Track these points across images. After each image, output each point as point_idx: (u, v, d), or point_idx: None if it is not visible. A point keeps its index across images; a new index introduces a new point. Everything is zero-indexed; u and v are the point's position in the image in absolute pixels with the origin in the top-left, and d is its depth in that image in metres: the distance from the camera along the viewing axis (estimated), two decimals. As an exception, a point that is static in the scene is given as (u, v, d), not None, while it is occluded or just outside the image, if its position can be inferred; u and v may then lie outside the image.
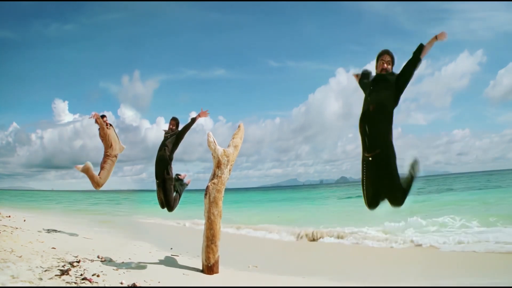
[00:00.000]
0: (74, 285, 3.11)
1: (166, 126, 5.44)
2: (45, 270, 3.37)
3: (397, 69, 3.18)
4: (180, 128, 5.36)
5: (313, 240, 8.37)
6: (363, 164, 3.14)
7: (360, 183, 3.21)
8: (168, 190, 5.34)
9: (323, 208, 19.26)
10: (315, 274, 4.98)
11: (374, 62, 3.26)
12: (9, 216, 8.16)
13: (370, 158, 3.05)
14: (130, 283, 3.43)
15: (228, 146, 4.83)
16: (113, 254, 4.80)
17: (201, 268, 4.61)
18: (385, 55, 3.16)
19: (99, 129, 6.02)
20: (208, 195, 4.61)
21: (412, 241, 7.21)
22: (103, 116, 6.03)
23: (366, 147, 3.06)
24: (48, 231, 6.40)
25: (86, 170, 5.93)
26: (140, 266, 4.35)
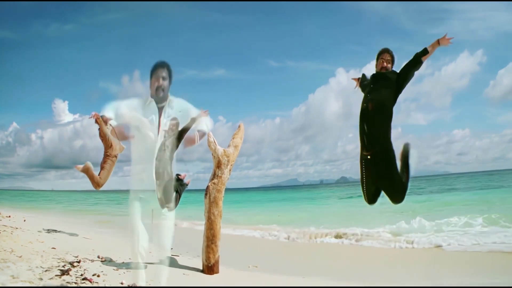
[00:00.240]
0: (74, 285, 3.11)
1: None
2: (45, 270, 3.37)
3: (397, 68, 3.18)
4: (180, 128, 5.35)
5: (314, 239, 8.37)
6: (361, 162, 3.14)
7: (360, 181, 3.21)
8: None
9: (323, 208, 19.26)
10: (315, 274, 4.98)
11: (374, 62, 3.26)
12: (9, 216, 8.17)
13: (369, 157, 3.05)
14: (130, 283, 3.44)
15: (228, 146, 4.83)
16: (113, 254, 4.80)
17: (201, 268, 4.61)
18: (385, 54, 3.16)
19: (99, 129, 6.01)
20: (208, 195, 4.61)
21: (413, 241, 7.18)
22: (103, 116, 6.02)
23: (365, 146, 3.06)
24: (48, 231, 6.40)
25: (86, 170, 5.92)
26: (140, 266, 4.34)
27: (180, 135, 2.66)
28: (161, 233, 2.55)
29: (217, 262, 4.55)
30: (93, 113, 6.02)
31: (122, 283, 3.43)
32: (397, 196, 3.06)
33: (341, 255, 7.02)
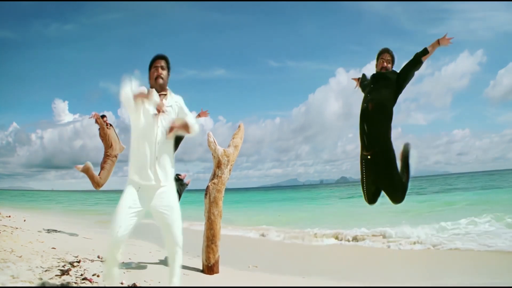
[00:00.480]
0: (74, 285, 3.11)
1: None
2: (45, 270, 3.37)
3: (397, 68, 3.18)
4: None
5: (313, 240, 8.36)
6: (362, 162, 3.14)
7: (360, 181, 3.21)
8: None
9: (323, 208, 19.26)
10: (315, 274, 4.98)
11: (374, 62, 3.27)
12: (9, 216, 8.16)
13: (369, 157, 3.05)
14: (130, 283, 3.44)
15: (228, 146, 4.83)
16: (113, 254, 4.79)
17: (201, 268, 4.61)
18: (385, 54, 3.16)
19: (99, 129, 6.01)
20: (208, 195, 4.61)
21: (414, 242, 7.17)
22: (103, 116, 6.03)
23: (365, 146, 3.06)
24: (48, 231, 6.40)
25: (86, 170, 5.93)
26: (140, 266, 4.35)
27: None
28: (171, 227, 2.42)
29: (217, 262, 4.55)
30: (93, 113, 6.05)
31: (122, 283, 3.43)
32: (397, 196, 3.06)
33: (341, 255, 7.01)
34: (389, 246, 7.19)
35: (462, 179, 47.05)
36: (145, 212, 2.44)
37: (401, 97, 3.13)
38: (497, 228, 7.91)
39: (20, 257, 3.76)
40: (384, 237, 7.82)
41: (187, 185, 5.79)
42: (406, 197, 3.09)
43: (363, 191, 3.21)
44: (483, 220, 8.70)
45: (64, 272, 3.39)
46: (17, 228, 6.02)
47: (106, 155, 6.05)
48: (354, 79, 3.65)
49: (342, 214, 14.11)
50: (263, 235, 9.38)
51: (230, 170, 4.76)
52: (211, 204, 4.57)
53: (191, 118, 2.61)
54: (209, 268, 4.50)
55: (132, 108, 2.44)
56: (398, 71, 3.11)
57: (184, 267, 4.71)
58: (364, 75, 3.53)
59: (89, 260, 4.14)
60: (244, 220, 12.98)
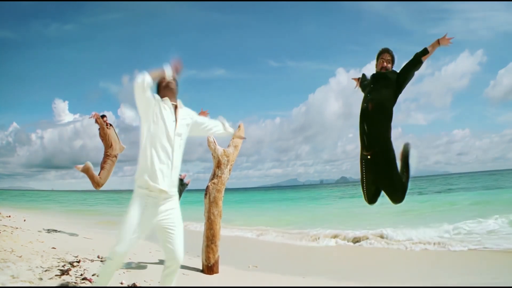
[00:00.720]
0: (74, 285, 3.11)
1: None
2: (45, 270, 3.37)
3: (397, 68, 3.17)
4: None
5: (314, 240, 8.36)
6: (361, 162, 3.14)
7: (360, 181, 3.21)
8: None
9: (323, 208, 19.26)
10: (315, 274, 4.98)
11: (374, 62, 3.26)
12: (9, 216, 8.17)
13: (369, 157, 3.05)
14: (130, 283, 3.44)
15: (228, 146, 4.83)
16: (113, 254, 4.79)
17: (201, 268, 4.61)
18: (385, 54, 3.15)
19: (99, 129, 6.01)
20: (208, 195, 4.61)
21: (415, 242, 7.15)
22: (103, 116, 6.03)
23: (365, 146, 3.06)
24: (48, 231, 6.40)
25: (86, 170, 5.93)
26: (140, 266, 4.35)
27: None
28: (174, 245, 2.38)
29: (217, 262, 4.55)
30: (93, 113, 6.05)
31: (122, 283, 3.43)
32: (397, 196, 3.06)
33: (341, 256, 7.01)
34: (389, 247, 7.19)
35: (463, 179, 47.01)
36: (151, 228, 2.39)
37: (401, 97, 3.13)
38: (501, 227, 7.85)
39: (20, 257, 3.76)
40: (384, 237, 7.81)
41: (187, 185, 5.79)
42: (406, 197, 3.09)
43: (363, 191, 3.21)
44: (488, 220, 8.63)
45: (64, 272, 3.39)
46: (17, 228, 6.03)
47: (106, 155, 6.05)
48: (354, 79, 3.65)
49: (342, 214, 14.12)
50: (262, 235, 9.38)
51: (230, 170, 4.76)
52: (211, 204, 4.57)
53: (214, 122, 2.74)
54: (209, 268, 4.50)
55: (146, 103, 2.39)
56: (398, 71, 3.11)
57: (184, 267, 4.72)
58: (364, 75, 3.53)
59: (89, 260, 4.14)
60: (244, 220, 12.98)
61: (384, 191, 3.11)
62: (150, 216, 2.33)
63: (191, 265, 4.83)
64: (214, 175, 4.66)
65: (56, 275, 3.26)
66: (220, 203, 4.62)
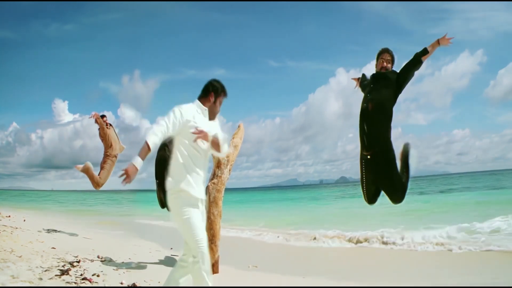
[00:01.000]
0: (74, 285, 3.11)
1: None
2: (45, 270, 3.37)
3: (397, 68, 3.17)
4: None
5: (314, 240, 8.35)
6: (361, 162, 3.14)
7: (360, 181, 3.21)
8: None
9: (323, 208, 19.25)
10: (315, 274, 4.98)
11: (374, 62, 3.26)
12: (9, 216, 8.17)
13: (369, 157, 3.05)
14: (130, 283, 3.44)
15: (228, 146, 4.82)
16: (113, 254, 4.80)
17: (201, 268, 4.60)
18: (385, 54, 3.15)
19: (99, 129, 6.01)
20: (208, 195, 4.61)
21: (416, 243, 7.12)
22: (103, 116, 6.03)
23: (365, 146, 3.06)
24: (48, 231, 6.40)
25: (86, 170, 5.93)
26: (140, 266, 4.35)
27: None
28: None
29: (217, 262, 4.55)
30: (93, 113, 6.06)
31: (121, 283, 3.43)
32: (397, 196, 3.06)
33: (341, 256, 7.01)
34: (389, 247, 7.17)
35: (463, 179, 46.95)
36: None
37: (401, 97, 3.13)
38: (506, 227, 7.76)
39: (20, 257, 3.76)
40: (384, 237, 7.80)
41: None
42: (406, 197, 3.09)
43: (363, 191, 3.21)
44: (491, 220, 8.55)
45: (64, 272, 3.39)
46: (17, 228, 6.03)
47: (106, 155, 6.05)
48: (354, 79, 3.65)
49: (342, 214, 14.10)
50: (262, 235, 9.37)
51: (230, 170, 4.76)
52: (211, 204, 4.57)
53: (222, 137, 2.78)
54: (209, 268, 4.50)
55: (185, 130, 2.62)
56: (398, 71, 3.11)
57: (184, 267, 4.71)
58: (364, 75, 3.53)
59: (89, 260, 4.14)
60: (244, 220, 12.97)
61: (384, 191, 3.11)
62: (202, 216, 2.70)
63: (191, 265, 4.82)
64: (214, 175, 4.66)
65: (56, 275, 3.27)
66: (220, 203, 4.62)
